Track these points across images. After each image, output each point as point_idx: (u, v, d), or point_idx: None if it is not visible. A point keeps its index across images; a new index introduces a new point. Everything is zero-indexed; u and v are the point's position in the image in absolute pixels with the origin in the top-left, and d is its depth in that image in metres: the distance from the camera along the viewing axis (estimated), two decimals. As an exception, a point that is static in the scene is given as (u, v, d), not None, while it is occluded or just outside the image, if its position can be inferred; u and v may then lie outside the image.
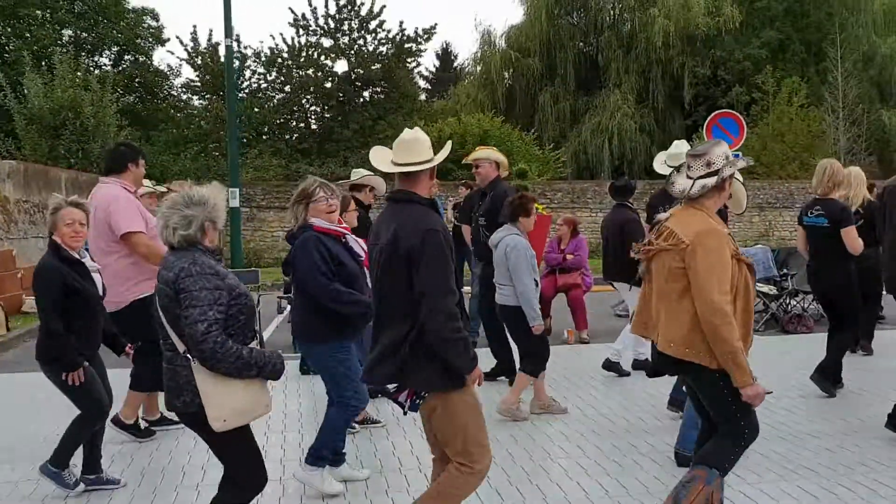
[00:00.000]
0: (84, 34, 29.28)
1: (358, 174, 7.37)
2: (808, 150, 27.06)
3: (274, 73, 28.12)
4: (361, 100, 28.67)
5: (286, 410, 6.48)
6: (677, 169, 3.88)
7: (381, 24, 27.82)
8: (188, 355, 3.31)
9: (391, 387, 3.70)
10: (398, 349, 3.53)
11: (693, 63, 32.02)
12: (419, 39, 28.09)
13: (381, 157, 3.81)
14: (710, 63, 32.39)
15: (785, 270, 10.43)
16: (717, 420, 3.77)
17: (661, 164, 6.69)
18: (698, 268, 3.54)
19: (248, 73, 27.66)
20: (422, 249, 3.44)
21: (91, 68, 25.99)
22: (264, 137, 28.17)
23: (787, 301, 10.32)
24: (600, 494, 4.63)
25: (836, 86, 28.46)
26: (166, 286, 3.35)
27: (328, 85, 28.37)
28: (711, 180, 3.68)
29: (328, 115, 28.90)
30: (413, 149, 3.70)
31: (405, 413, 3.69)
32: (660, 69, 32.20)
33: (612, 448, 5.44)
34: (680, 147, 6.67)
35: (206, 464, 5.11)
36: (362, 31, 27.92)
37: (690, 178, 3.75)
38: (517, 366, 6.54)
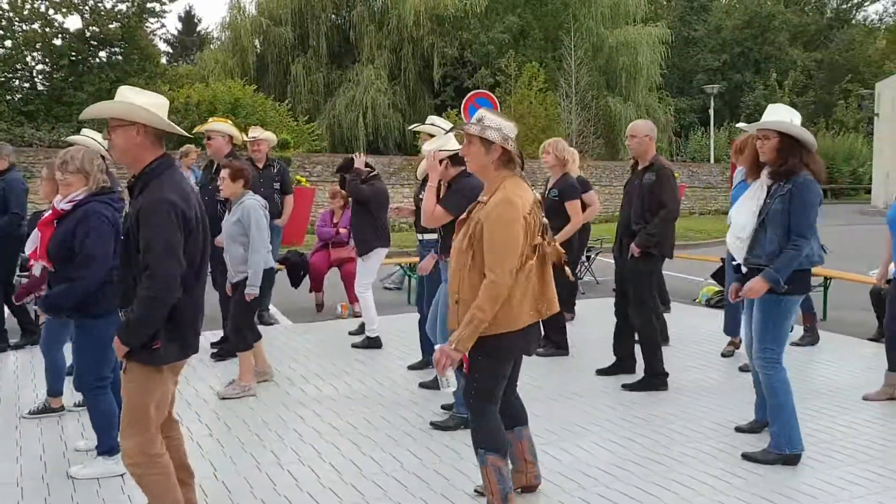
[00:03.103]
0: None
1: None
2: (546, 132, 28.92)
3: (-9, 26, 25.11)
4: (98, 60, 26.41)
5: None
6: None
7: (120, -21, 25.78)
8: None
9: None
10: None
11: (442, 44, 32.95)
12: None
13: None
14: (458, 45, 33.50)
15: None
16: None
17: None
18: None
19: (-42, 25, 24.47)
20: None
21: None
22: (-19, 97, 25.11)
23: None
24: (355, 470, 4.63)
25: (570, 72, 30.60)
26: None
27: (58, 42, 25.82)
28: None
29: (58, 76, 26.33)
30: None
31: None
32: (411, 47, 32.84)
33: (364, 421, 5.44)
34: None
35: None
36: (98, -15, 25.70)
37: None
38: None
